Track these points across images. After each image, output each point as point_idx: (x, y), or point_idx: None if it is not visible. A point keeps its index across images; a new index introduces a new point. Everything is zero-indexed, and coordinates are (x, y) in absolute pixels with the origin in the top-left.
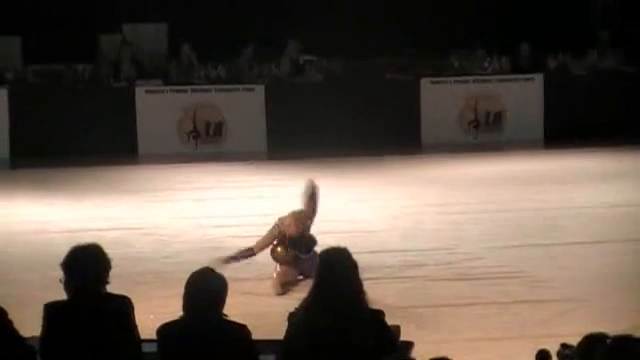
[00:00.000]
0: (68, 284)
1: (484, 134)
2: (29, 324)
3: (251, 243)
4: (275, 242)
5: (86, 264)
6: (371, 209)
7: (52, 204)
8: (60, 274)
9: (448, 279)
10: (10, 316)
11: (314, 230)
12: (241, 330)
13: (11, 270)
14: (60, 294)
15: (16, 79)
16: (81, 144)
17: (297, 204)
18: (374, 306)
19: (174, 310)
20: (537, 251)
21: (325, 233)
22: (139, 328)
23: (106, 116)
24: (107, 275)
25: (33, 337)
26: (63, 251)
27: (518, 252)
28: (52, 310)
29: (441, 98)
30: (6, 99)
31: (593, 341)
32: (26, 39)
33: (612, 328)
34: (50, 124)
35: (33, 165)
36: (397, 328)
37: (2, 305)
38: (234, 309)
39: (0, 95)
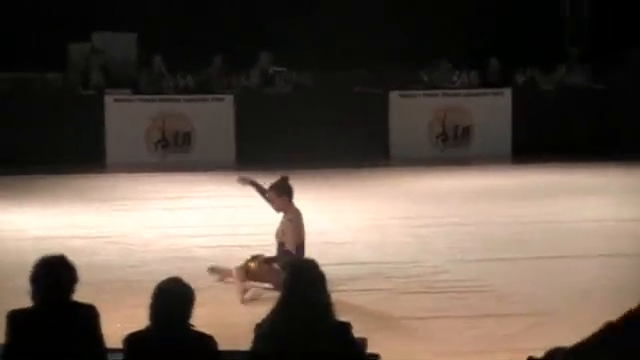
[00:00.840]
0: (35, 296)
1: (452, 148)
2: None
3: (217, 255)
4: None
5: (52, 277)
6: (339, 221)
7: (19, 212)
8: (26, 282)
9: (415, 292)
10: None
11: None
12: (208, 340)
13: None
14: (26, 302)
15: None
16: (49, 152)
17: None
18: (341, 318)
19: (141, 319)
20: (503, 265)
21: None
22: (105, 337)
23: (75, 124)
24: (72, 283)
25: None
26: (30, 259)
27: (484, 266)
28: (17, 318)
29: (410, 111)
30: None
31: (556, 355)
32: None
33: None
34: (18, 131)
35: (1, 172)
36: (364, 340)
37: None
38: (200, 319)
39: None
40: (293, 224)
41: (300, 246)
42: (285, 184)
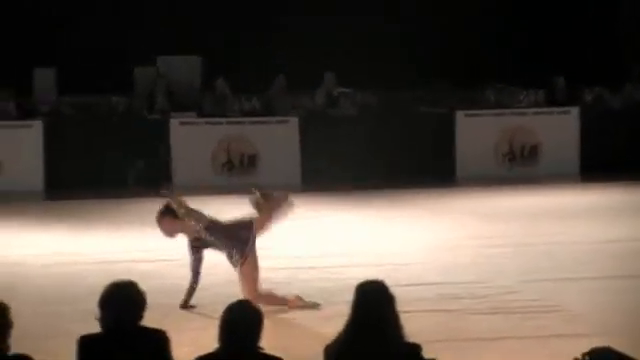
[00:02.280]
0: (103, 320)
1: (519, 167)
2: (61, 356)
3: (283, 277)
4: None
5: (122, 302)
6: (406, 242)
7: (86, 236)
8: (94, 306)
9: (484, 312)
10: (42, 348)
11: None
12: None
13: (44, 302)
14: (92, 326)
15: (51, 111)
16: (116, 176)
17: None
18: (411, 340)
19: (208, 342)
20: (572, 285)
21: (361, 266)
22: None
23: (141, 148)
24: (143, 310)
25: None
26: (96, 283)
27: (553, 286)
28: (87, 343)
29: (476, 131)
30: (41, 131)
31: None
32: (61, 71)
33: None
34: (84, 156)
35: (67, 197)
36: None
37: (37, 335)
38: (268, 342)
39: (35, 127)
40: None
41: None
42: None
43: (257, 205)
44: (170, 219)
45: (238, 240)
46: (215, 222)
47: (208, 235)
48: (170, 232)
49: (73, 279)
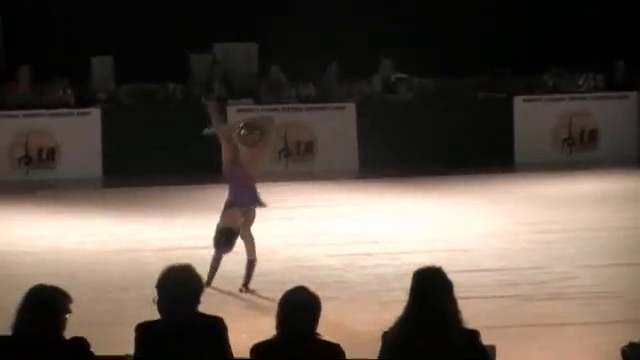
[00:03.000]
0: (161, 305)
1: (578, 152)
2: (125, 343)
3: (340, 263)
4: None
5: (179, 285)
6: (464, 228)
7: (145, 223)
8: (153, 293)
9: (542, 299)
10: (102, 335)
11: None
12: (335, 349)
13: (107, 289)
14: (153, 313)
15: (109, 99)
16: (173, 162)
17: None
18: (469, 326)
19: (266, 329)
20: (632, 271)
21: (418, 252)
22: (232, 347)
23: (197, 135)
24: (199, 296)
25: (128, 356)
26: (156, 270)
27: (612, 271)
28: (144, 330)
29: (535, 116)
30: (99, 119)
31: None
32: (118, 59)
33: None
34: (142, 143)
35: (126, 184)
36: (492, 348)
37: (99, 323)
38: (326, 328)
39: (93, 115)
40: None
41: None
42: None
43: (251, 140)
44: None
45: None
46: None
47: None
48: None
49: (133, 266)
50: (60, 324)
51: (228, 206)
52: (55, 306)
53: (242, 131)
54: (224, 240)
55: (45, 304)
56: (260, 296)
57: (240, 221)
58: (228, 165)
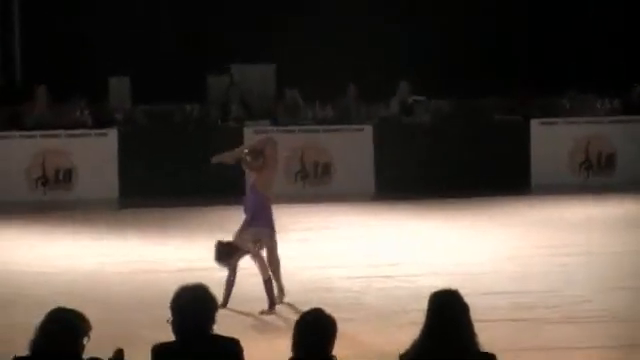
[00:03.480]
0: (175, 325)
1: (595, 175)
2: None
3: (357, 285)
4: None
5: (193, 305)
6: (480, 250)
7: (161, 244)
8: (168, 314)
9: (557, 322)
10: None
11: None
12: None
13: (121, 309)
14: (169, 335)
15: (125, 119)
16: (190, 184)
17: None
18: (485, 349)
19: (282, 350)
20: None
21: (434, 275)
22: None
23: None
24: (214, 315)
25: None
26: (172, 291)
27: (627, 295)
28: (160, 352)
29: (551, 139)
30: (116, 139)
31: None
32: (136, 80)
33: None
34: (159, 164)
35: (142, 205)
36: None
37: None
38: (341, 351)
39: (110, 135)
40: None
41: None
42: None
43: (255, 165)
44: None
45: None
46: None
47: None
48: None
49: (148, 287)
50: (79, 347)
51: (243, 226)
52: (74, 330)
53: (247, 157)
54: (224, 253)
55: (65, 327)
56: (277, 317)
57: (249, 241)
58: (248, 189)
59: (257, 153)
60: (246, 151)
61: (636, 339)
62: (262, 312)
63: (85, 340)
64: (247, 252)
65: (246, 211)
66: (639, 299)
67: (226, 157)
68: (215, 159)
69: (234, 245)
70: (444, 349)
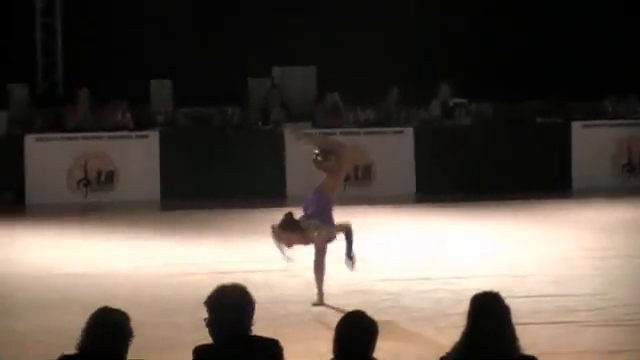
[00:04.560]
0: (212, 324)
1: (638, 178)
2: None
3: (396, 287)
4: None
5: (230, 304)
6: (522, 253)
7: (201, 245)
8: (204, 314)
9: (600, 325)
10: (158, 359)
11: None
12: None
13: (160, 312)
14: (208, 337)
15: (167, 122)
16: (230, 186)
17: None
18: (527, 352)
19: (321, 353)
20: None
21: (474, 277)
22: None
23: (255, 159)
24: (252, 315)
25: None
26: (206, 293)
27: None
28: (202, 353)
29: (593, 141)
30: (157, 141)
31: None
32: (177, 82)
33: None
34: (200, 166)
35: (183, 207)
36: None
37: (154, 347)
38: (382, 353)
39: (151, 137)
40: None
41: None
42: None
43: (328, 166)
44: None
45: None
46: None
47: None
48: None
49: (188, 289)
50: (124, 348)
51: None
52: (121, 330)
53: (318, 157)
54: (289, 224)
55: (112, 327)
56: (317, 319)
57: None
58: (313, 190)
59: (329, 153)
60: (317, 151)
61: None
62: (315, 304)
63: (130, 342)
64: (308, 240)
65: (306, 211)
66: None
67: (303, 137)
68: (293, 133)
69: (300, 225)
70: (485, 352)
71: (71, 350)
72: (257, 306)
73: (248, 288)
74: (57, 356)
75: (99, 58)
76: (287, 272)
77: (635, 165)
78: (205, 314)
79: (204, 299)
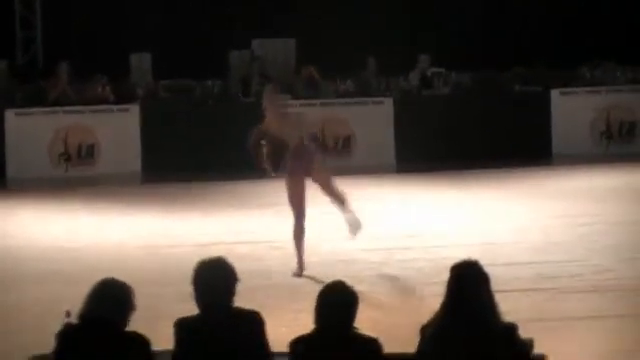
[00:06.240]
0: (197, 298)
1: (617, 145)
2: (164, 337)
3: (378, 257)
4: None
5: (212, 278)
6: (501, 221)
7: (183, 218)
8: (188, 288)
9: (581, 291)
10: (143, 329)
11: None
12: (373, 343)
13: (145, 284)
14: (193, 308)
15: (147, 94)
16: (211, 158)
17: (423, 217)
18: (507, 319)
19: (305, 323)
20: None
21: (455, 246)
22: (271, 342)
23: (236, 131)
24: (233, 288)
25: (167, 351)
26: (192, 266)
27: None
28: (183, 326)
29: (572, 109)
30: (138, 114)
31: None
32: (157, 55)
33: None
34: (181, 139)
35: (164, 180)
36: (531, 341)
37: (138, 318)
38: (363, 323)
39: (132, 111)
40: None
41: None
42: None
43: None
44: None
45: None
46: None
47: None
48: None
49: (171, 261)
50: (125, 319)
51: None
52: (126, 300)
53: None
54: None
55: (117, 296)
56: (301, 291)
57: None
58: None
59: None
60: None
61: None
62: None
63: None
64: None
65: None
66: None
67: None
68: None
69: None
70: (465, 320)
71: (57, 323)
72: (240, 277)
73: (230, 260)
74: (52, 326)
75: (79, 32)
76: (271, 244)
77: (614, 132)
78: (191, 289)
79: (187, 271)
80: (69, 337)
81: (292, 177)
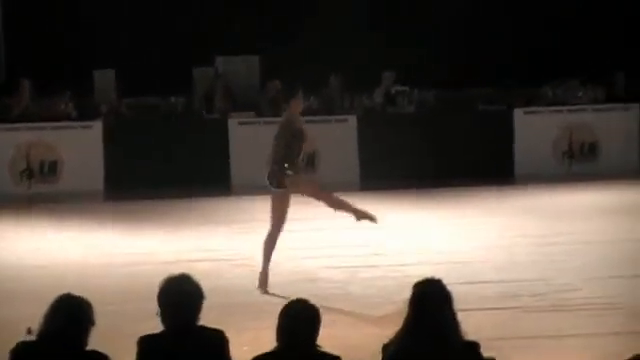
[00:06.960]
0: (163, 316)
1: (579, 164)
2: (125, 356)
3: (342, 275)
4: None
5: (177, 296)
6: (464, 240)
7: (146, 236)
8: (155, 306)
9: (544, 310)
10: (104, 347)
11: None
12: None
13: (106, 301)
14: (155, 326)
15: (110, 112)
16: (175, 176)
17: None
18: (469, 338)
19: (267, 342)
20: (634, 282)
21: (419, 264)
22: None
23: (200, 148)
24: (199, 305)
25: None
26: (157, 283)
27: (615, 283)
28: (146, 343)
29: (535, 128)
30: (101, 131)
31: None
32: (120, 72)
33: None
34: (144, 156)
35: (127, 197)
36: None
37: (99, 336)
38: (326, 341)
39: (95, 127)
40: None
41: None
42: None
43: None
44: None
45: None
46: None
47: None
48: None
49: (134, 279)
50: (85, 335)
51: None
52: (84, 316)
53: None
54: None
55: (75, 312)
56: (264, 309)
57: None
58: None
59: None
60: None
61: (625, 327)
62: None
63: (91, 330)
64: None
65: None
66: (628, 287)
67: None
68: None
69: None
70: (427, 338)
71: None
72: (204, 294)
73: (195, 277)
74: (13, 344)
75: (42, 48)
76: (234, 262)
77: (575, 151)
78: (156, 306)
79: (150, 289)
80: (23, 354)
81: (284, 192)
